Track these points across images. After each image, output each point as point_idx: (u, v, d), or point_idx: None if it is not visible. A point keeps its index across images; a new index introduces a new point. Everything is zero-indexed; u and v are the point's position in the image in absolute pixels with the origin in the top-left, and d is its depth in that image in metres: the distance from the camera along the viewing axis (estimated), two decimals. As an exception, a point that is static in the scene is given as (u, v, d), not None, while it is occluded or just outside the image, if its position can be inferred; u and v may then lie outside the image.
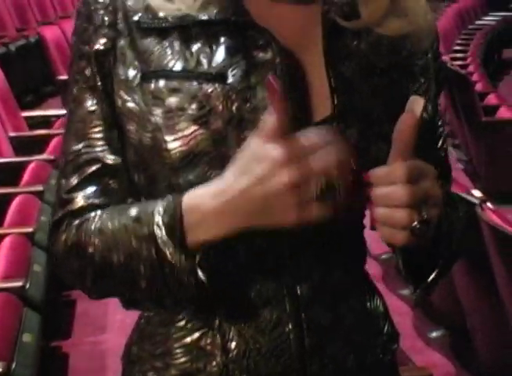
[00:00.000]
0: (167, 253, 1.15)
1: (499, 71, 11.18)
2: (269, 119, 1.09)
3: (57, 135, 5.16)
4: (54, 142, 5.08)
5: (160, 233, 1.15)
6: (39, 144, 5.12)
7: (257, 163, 1.10)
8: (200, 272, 1.15)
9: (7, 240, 3.62)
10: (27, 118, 5.85)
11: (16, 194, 4.25)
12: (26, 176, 4.58)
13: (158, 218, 1.16)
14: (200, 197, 1.14)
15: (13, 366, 2.75)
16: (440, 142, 1.39)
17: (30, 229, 3.80)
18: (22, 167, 4.73)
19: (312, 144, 1.09)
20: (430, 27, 1.32)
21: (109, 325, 3.93)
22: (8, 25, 8.79)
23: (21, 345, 2.94)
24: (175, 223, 1.15)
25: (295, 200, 1.09)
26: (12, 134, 5.31)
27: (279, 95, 1.08)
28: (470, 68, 8.38)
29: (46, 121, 5.74)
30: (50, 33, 7.88)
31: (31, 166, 4.69)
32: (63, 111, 5.11)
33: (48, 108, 7.03)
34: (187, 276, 1.16)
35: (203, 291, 1.17)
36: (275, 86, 1.08)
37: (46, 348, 3.56)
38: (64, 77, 6.95)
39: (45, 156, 4.83)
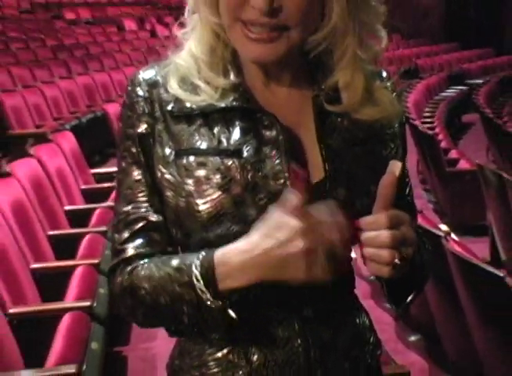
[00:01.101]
0: (204, 298, 1.15)
1: (459, 132, 11.19)
2: (290, 196, 1.11)
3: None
4: (115, 192, 5.07)
5: (198, 284, 1.16)
6: (104, 194, 5.13)
7: (279, 230, 1.11)
8: (230, 311, 1.16)
9: (79, 269, 3.63)
10: (94, 174, 5.88)
11: (86, 234, 4.25)
12: (93, 220, 4.59)
13: (196, 272, 1.16)
14: (229, 254, 1.15)
15: (84, 368, 2.75)
16: (407, 190, 1.39)
17: (96, 261, 3.79)
18: (91, 212, 4.75)
19: (321, 218, 1.11)
20: (398, 114, 1.32)
21: (158, 334, 3.92)
22: (80, 103, 8.88)
23: (90, 351, 2.94)
24: (209, 277, 1.15)
25: (306, 262, 1.10)
26: (83, 186, 5.34)
27: (304, 180, 1.14)
28: (437, 130, 8.38)
29: (109, 176, 5.74)
30: (112, 108, 7.94)
31: (98, 212, 4.71)
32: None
33: (111, 166, 7.05)
34: (221, 314, 1.16)
35: (233, 324, 1.17)
36: (299, 173, 1.14)
37: (109, 353, 3.55)
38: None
39: (108, 203, 4.83)
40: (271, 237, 1.11)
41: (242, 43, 1.19)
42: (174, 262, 1.20)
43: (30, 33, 13.56)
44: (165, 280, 1.19)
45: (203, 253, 1.17)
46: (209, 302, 1.15)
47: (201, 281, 1.15)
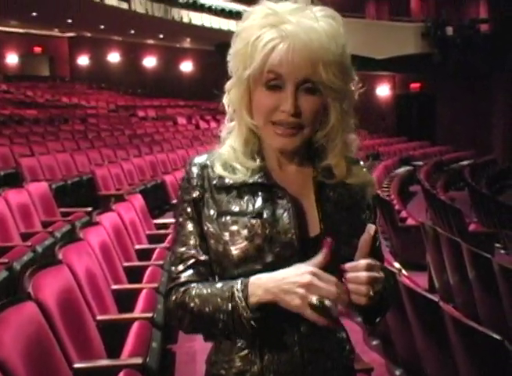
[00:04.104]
0: (239, 307, 1.16)
1: (407, 198, 11.16)
2: (319, 258, 1.15)
3: (171, 233, 5.01)
4: (169, 236, 5.05)
5: (238, 294, 1.17)
6: (162, 238, 5.09)
7: (297, 268, 1.16)
8: (252, 322, 1.17)
9: (144, 291, 3.57)
10: (155, 223, 5.83)
11: (149, 266, 4.14)
12: (154, 256, 4.51)
13: (238, 287, 1.17)
14: (259, 278, 1.17)
15: (147, 359, 2.70)
16: (377, 243, 1.38)
17: (156, 285, 3.72)
18: (152, 251, 4.62)
19: (328, 278, 1.14)
20: (370, 182, 1.34)
21: (197, 336, 3.84)
22: (146, 173, 8.92)
23: (151, 348, 2.88)
24: (245, 293, 1.16)
25: (303, 291, 1.13)
26: (147, 232, 5.31)
27: (329, 252, 1.15)
28: (392, 197, 8.37)
29: (165, 225, 5.74)
30: (168, 178, 8.00)
31: (157, 250, 4.60)
32: (174, 220, 5.06)
33: (167, 218, 7.05)
34: (246, 322, 1.17)
35: (254, 331, 1.18)
36: (329, 245, 1.15)
37: (164, 349, 3.49)
38: (174, 201, 7.01)
39: (165, 244, 4.79)
40: (290, 271, 1.15)
41: (272, 137, 1.22)
42: (219, 284, 1.21)
43: (114, 125, 13.74)
44: (211, 296, 1.20)
45: (241, 279, 1.19)
46: (241, 310, 1.16)
47: (241, 294, 1.16)
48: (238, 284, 1.18)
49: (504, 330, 3.43)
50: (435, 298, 2.70)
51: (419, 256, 5.88)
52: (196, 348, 3.85)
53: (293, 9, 1.20)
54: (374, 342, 3.94)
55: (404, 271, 3.96)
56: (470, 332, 2.32)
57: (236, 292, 1.17)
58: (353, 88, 1.27)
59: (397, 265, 4.24)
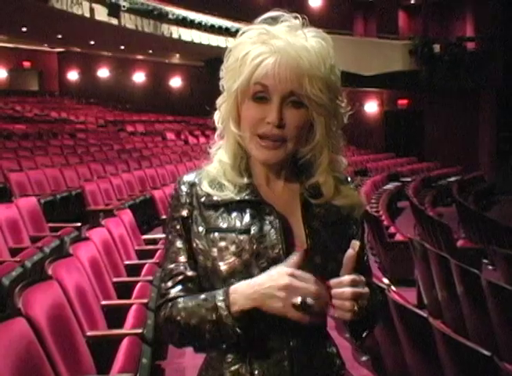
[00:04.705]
0: (223, 316, 1.18)
1: (396, 214, 11.21)
2: (294, 258, 1.18)
3: (161, 249, 5.03)
4: (158, 252, 5.04)
5: (221, 304, 1.19)
6: (151, 253, 5.08)
7: (277, 273, 1.17)
8: (237, 329, 1.18)
9: (133, 307, 3.55)
10: (144, 239, 5.79)
11: (138, 281, 4.13)
12: (143, 271, 4.48)
13: (219, 298, 1.20)
14: (239, 287, 1.19)
15: None
16: (365, 258, 1.39)
17: (146, 301, 3.70)
18: (142, 266, 4.59)
19: (306, 277, 1.17)
20: (359, 204, 1.35)
21: (186, 353, 3.86)
22: (135, 189, 8.92)
23: (141, 364, 2.87)
24: (227, 302, 1.18)
25: (284, 294, 1.15)
26: (136, 247, 5.29)
27: (304, 255, 1.18)
28: (380, 212, 8.40)
29: (154, 240, 5.72)
30: (157, 193, 7.98)
31: (146, 266, 4.58)
32: (163, 235, 5.00)
33: (155, 233, 7.03)
34: (232, 330, 1.18)
35: (240, 338, 1.20)
36: (303, 251, 1.18)
37: (154, 365, 3.47)
38: (163, 217, 7.03)
39: (154, 260, 4.77)
40: (268, 275, 1.17)
41: (256, 150, 1.25)
42: (202, 296, 1.23)
43: (103, 140, 13.74)
44: (195, 307, 1.21)
45: (223, 289, 1.21)
46: (225, 319, 1.17)
47: (223, 304, 1.18)
48: (220, 295, 1.20)
49: (493, 345, 3.46)
50: (424, 313, 2.71)
51: (407, 272, 5.93)
52: (185, 365, 3.83)
53: (285, 28, 1.24)
54: (363, 358, 3.95)
55: (393, 287, 3.96)
56: (460, 348, 2.34)
57: (218, 303, 1.19)
58: (342, 111, 1.29)
59: (386, 280, 4.25)
